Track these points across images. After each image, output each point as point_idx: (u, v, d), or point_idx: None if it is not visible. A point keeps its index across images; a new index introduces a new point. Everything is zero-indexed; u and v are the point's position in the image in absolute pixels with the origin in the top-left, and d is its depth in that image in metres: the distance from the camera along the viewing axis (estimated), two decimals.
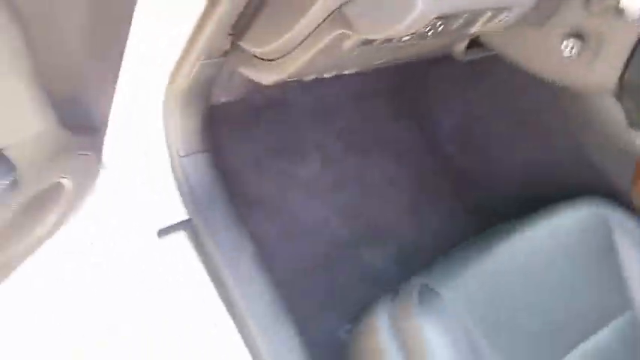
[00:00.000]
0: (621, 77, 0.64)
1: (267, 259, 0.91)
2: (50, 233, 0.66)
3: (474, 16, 0.58)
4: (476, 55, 0.85)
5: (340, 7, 0.55)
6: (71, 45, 0.48)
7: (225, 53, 0.77)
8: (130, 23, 0.61)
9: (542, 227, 0.94)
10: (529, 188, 1.12)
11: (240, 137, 1.09)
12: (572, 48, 0.66)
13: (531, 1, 0.63)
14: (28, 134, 0.48)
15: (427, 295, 0.81)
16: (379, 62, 0.78)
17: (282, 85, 1.12)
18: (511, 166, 1.15)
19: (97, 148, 0.61)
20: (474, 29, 0.62)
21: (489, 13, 0.59)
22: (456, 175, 1.23)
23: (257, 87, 1.06)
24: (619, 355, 0.92)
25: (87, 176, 0.63)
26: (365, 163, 1.20)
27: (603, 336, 0.93)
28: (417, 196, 1.22)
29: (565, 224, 0.96)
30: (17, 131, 0.47)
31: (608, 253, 1.00)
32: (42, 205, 0.59)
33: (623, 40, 0.64)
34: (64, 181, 0.59)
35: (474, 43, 0.84)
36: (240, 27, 0.69)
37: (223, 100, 0.97)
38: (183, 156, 0.89)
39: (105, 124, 0.60)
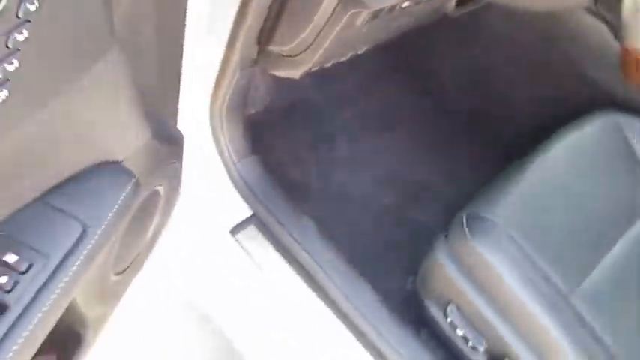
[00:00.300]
0: None
1: (328, 232, 1.03)
2: (154, 240, 0.79)
3: None
4: (465, 9, 0.97)
5: None
6: (152, 71, 0.60)
7: (255, 62, 0.90)
8: (181, 54, 0.74)
9: (565, 143, 1.05)
10: (541, 120, 1.22)
11: (276, 138, 1.22)
12: None
13: None
14: (136, 147, 0.60)
15: (476, 222, 0.92)
16: (386, 35, 0.90)
17: (300, 87, 1.25)
18: (520, 104, 1.26)
19: (180, 157, 0.74)
20: None
21: None
22: (473, 127, 1.34)
23: (279, 94, 1.20)
24: None
25: (176, 184, 0.76)
26: (391, 135, 1.32)
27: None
28: (445, 155, 1.33)
29: (584, 137, 1.07)
30: (129, 145, 0.59)
31: (628, 156, 1.10)
32: (145, 212, 0.72)
33: None
34: (160, 189, 0.72)
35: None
36: (265, 34, 0.82)
37: (252, 110, 1.11)
38: (237, 162, 1.02)
39: (181, 135, 0.73)
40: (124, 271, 0.72)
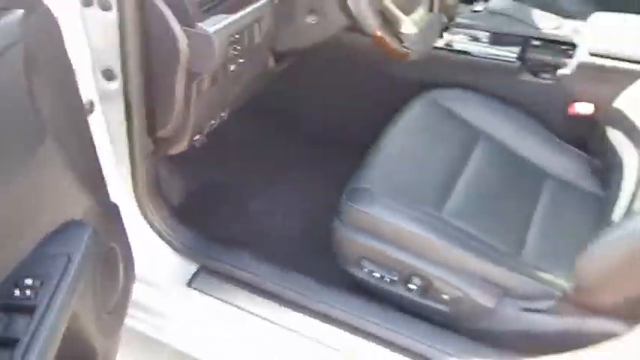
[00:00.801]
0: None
1: (262, 256, 1.31)
2: (128, 290, 1.05)
3: (249, 30, 1.05)
4: (284, 64, 1.34)
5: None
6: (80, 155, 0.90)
7: (154, 151, 1.21)
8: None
9: (402, 121, 1.40)
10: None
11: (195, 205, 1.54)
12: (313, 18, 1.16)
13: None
14: (84, 210, 0.89)
15: (355, 194, 1.22)
16: (238, 94, 1.24)
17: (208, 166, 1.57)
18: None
19: (121, 221, 1.02)
20: (258, 40, 1.10)
21: (257, 25, 1.07)
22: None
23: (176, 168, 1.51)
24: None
25: (126, 244, 1.03)
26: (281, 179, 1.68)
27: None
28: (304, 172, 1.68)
29: (412, 112, 1.43)
30: (78, 210, 0.88)
31: (449, 115, 1.46)
32: (110, 263, 0.98)
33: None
34: (115, 246, 0.99)
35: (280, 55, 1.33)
36: (151, 125, 1.14)
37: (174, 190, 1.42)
38: (172, 232, 1.30)
39: (117, 205, 1.01)
40: (111, 312, 0.98)
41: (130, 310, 1.31)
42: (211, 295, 1.30)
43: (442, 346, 1.14)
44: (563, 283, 1.11)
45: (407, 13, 1.18)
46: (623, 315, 1.00)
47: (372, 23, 1.09)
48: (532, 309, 1.12)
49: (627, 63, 1.35)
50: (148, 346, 1.41)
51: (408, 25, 1.14)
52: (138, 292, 1.14)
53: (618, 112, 1.31)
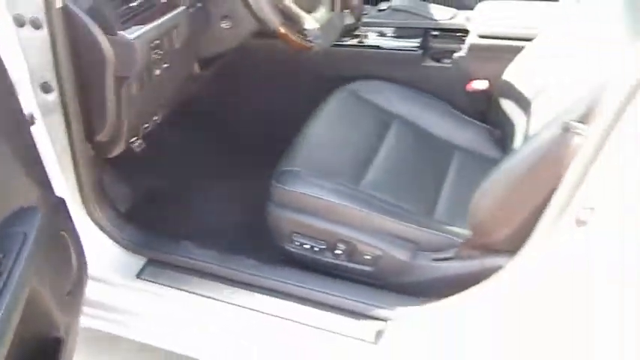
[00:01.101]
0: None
1: (204, 244, 1.44)
2: (82, 275, 1.16)
3: (167, 36, 1.20)
4: (210, 69, 1.48)
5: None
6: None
7: (94, 157, 1.33)
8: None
9: (322, 112, 1.56)
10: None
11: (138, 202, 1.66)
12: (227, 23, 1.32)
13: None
14: (34, 198, 1.01)
15: (283, 176, 1.36)
16: (168, 98, 1.38)
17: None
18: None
19: (67, 212, 1.14)
20: (178, 45, 1.24)
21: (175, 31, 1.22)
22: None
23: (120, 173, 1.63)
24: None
25: (74, 232, 1.15)
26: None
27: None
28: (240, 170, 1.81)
29: (332, 103, 1.59)
30: (28, 197, 1.00)
31: (363, 102, 1.63)
32: (61, 248, 1.10)
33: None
34: (64, 234, 1.11)
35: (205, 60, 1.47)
36: (88, 131, 1.26)
37: (119, 194, 1.54)
38: (121, 232, 1.42)
39: (63, 199, 1.14)
40: (69, 293, 1.09)
41: (89, 310, 1.44)
42: (161, 284, 1.42)
43: (368, 300, 1.29)
44: (465, 232, 1.27)
45: (310, 11, 1.34)
46: (513, 249, 1.16)
47: (274, 21, 1.24)
48: (441, 258, 1.28)
49: (510, 41, 1.54)
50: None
51: (310, 22, 1.30)
52: (92, 290, 1.26)
53: (507, 83, 1.49)
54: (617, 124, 0.87)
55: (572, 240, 0.98)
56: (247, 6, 1.22)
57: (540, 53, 1.43)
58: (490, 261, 1.20)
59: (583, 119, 0.96)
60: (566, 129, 0.99)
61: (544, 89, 1.35)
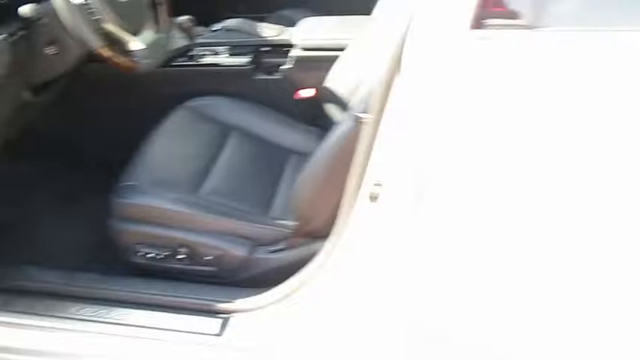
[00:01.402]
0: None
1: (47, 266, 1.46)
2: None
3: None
4: (45, 96, 1.52)
5: None
6: None
7: None
8: None
9: (159, 131, 1.63)
10: None
11: None
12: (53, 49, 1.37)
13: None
14: None
15: (122, 191, 1.43)
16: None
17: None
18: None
19: None
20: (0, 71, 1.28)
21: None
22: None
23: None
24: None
25: None
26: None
27: None
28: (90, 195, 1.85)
29: (168, 122, 1.67)
30: None
31: (203, 118, 1.73)
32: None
33: None
34: None
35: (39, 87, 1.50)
36: None
37: None
38: None
39: None
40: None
41: None
42: (9, 311, 1.42)
43: (213, 297, 1.37)
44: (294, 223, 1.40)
45: (135, 34, 1.42)
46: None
47: (95, 44, 1.31)
48: (277, 250, 1.40)
49: (328, 52, 1.71)
50: None
51: (135, 44, 1.38)
52: None
53: (328, 90, 1.65)
54: (384, 111, 1.03)
55: (369, 215, 1.13)
56: (66, 29, 1.28)
57: (350, 59, 1.60)
58: (315, 247, 1.32)
59: (367, 110, 1.11)
60: (355, 119, 1.14)
61: (356, 89, 1.52)
